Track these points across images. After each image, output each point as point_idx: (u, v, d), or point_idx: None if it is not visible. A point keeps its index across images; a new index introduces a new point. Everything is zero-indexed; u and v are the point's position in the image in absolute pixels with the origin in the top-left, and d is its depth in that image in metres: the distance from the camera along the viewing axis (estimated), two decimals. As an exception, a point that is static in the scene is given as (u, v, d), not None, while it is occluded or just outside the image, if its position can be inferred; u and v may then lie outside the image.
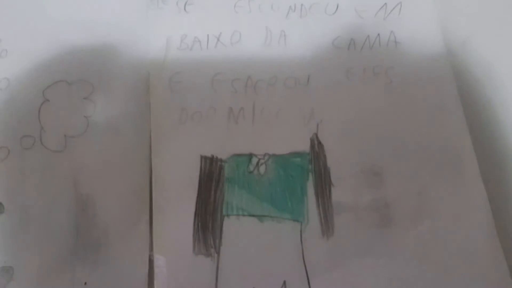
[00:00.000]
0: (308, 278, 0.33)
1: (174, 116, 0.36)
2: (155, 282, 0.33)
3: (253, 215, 0.34)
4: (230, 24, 0.39)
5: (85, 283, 0.33)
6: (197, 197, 0.34)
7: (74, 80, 0.37)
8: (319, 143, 0.36)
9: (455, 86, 0.37)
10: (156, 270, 0.33)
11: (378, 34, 0.38)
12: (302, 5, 0.39)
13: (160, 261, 0.33)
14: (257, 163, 0.35)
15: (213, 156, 0.35)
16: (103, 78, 0.37)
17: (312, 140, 0.36)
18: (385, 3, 0.39)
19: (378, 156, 0.35)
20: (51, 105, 0.36)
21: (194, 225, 0.34)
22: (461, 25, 0.39)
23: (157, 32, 0.38)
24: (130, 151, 0.36)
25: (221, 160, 0.35)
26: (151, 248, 0.34)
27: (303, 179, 0.35)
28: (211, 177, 0.35)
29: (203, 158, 0.35)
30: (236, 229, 0.34)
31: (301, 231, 0.34)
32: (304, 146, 0.36)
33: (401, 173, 0.35)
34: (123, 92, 0.37)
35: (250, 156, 0.35)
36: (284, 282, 0.33)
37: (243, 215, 0.34)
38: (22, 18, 0.39)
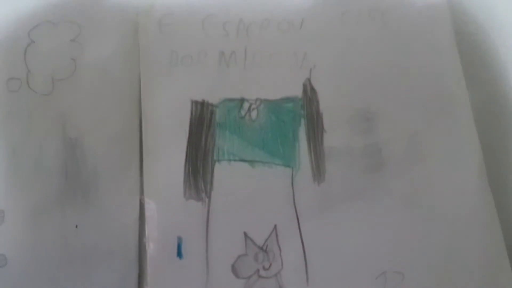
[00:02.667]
0: (298, 222, 0.33)
1: (164, 59, 0.35)
2: (146, 226, 0.33)
3: (244, 160, 0.34)
4: (222, -36, 0.37)
5: (76, 226, 0.33)
6: (188, 142, 0.34)
7: (61, 21, 0.36)
8: (312, 88, 0.35)
9: (452, 30, 0.36)
10: (147, 214, 0.33)
11: (375, -24, 0.37)
12: None
13: (151, 205, 0.33)
14: (249, 108, 0.35)
15: (204, 100, 0.35)
16: (91, 20, 0.36)
17: (304, 85, 0.35)
18: None
19: (371, 101, 0.35)
20: (37, 46, 0.35)
21: (184, 169, 0.34)
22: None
23: (146, -29, 0.37)
24: (119, 94, 0.35)
25: (212, 105, 0.35)
26: (142, 192, 0.34)
27: (295, 124, 0.34)
28: (202, 122, 0.34)
29: (194, 103, 0.35)
30: (227, 174, 0.34)
31: (292, 177, 0.34)
32: (296, 91, 0.35)
33: (394, 117, 0.35)
34: (111, 34, 0.36)
35: (242, 100, 0.35)
36: (275, 226, 0.33)
37: (234, 160, 0.34)
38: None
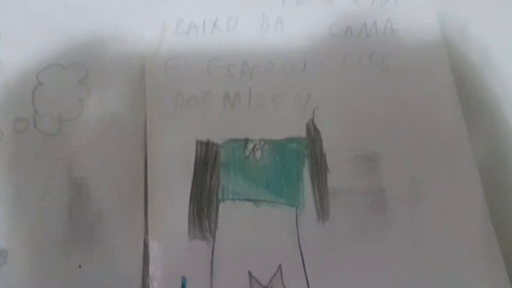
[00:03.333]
0: (303, 262, 0.33)
1: (169, 101, 0.36)
2: (150, 265, 0.33)
3: (248, 200, 0.34)
4: (227, 9, 0.39)
5: (80, 266, 0.33)
6: (193, 181, 0.34)
7: (69, 64, 0.37)
8: (315, 128, 0.36)
9: (450, 73, 0.37)
10: (151, 253, 0.33)
11: (375, 22, 0.38)
12: (299, -9, 0.39)
13: (154, 244, 0.33)
14: (253, 148, 0.35)
15: (209, 140, 0.35)
16: (98, 62, 0.37)
17: (308, 126, 0.36)
18: (382, -10, 0.39)
19: (374, 141, 0.36)
20: (45, 88, 0.36)
21: (189, 209, 0.34)
22: (459, 13, 0.40)
23: (153, 16, 0.38)
24: (125, 135, 0.36)
25: (216, 145, 0.35)
26: (146, 232, 0.34)
27: (299, 164, 0.35)
28: (207, 162, 0.35)
29: (199, 143, 0.35)
30: (232, 214, 0.34)
31: (296, 216, 0.34)
32: (300, 131, 0.36)
33: (396, 158, 0.35)
34: (118, 76, 0.37)
35: (246, 141, 0.35)
36: (280, 266, 0.33)
37: (239, 200, 0.34)
38: (17, 1, 0.38)
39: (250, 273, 0.33)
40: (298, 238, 0.33)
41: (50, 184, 0.34)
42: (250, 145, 0.35)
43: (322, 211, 0.34)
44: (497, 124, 0.37)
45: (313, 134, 0.36)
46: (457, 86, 0.37)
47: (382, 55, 0.38)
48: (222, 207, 0.34)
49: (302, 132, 0.36)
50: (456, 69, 0.38)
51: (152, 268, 0.33)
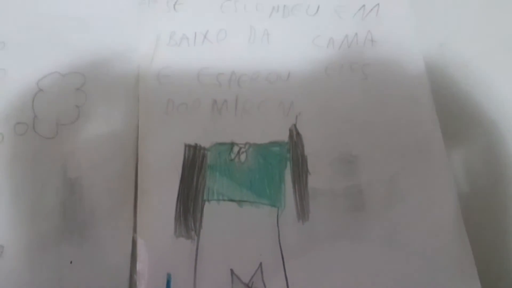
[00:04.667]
0: (283, 260, 0.34)
1: (161, 107, 0.38)
2: (138, 262, 0.34)
3: (232, 200, 0.35)
4: (217, 22, 0.41)
5: (71, 262, 0.34)
6: (180, 182, 0.36)
7: (67, 72, 0.39)
8: (297, 133, 0.37)
9: (427, 82, 0.39)
10: (138, 251, 0.34)
11: (356, 34, 0.40)
12: (285, 6, 0.41)
13: (142, 242, 0.35)
14: (238, 151, 0.37)
15: (196, 144, 0.37)
16: (95, 71, 0.39)
17: (291, 130, 0.37)
18: (364, 5, 0.41)
19: (353, 146, 0.37)
20: (45, 94, 0.38)
21: (176, 209, 0.35)
22: (439, 26, 0.41)
23: (148, 29, 0.40)
24: (118, 138, 0.37)
25: (204, 148, 0.37)
26: (135, 230, 0.35)
27: (281, 167, 0.36)
28: (194, 164, 0.36)
29: (187, 146, 0.37)
30: (216, 213, 0.35)
31: (277, 216, 0.35)
32: (283, 136, 0.37)
33: (374, 161, 0.36)
34: (113, 84, 0.39)
35: (232, 144, 0.37)
36: (261, 264, 0.34)
37: (223, 200, 0.35)
38: (20, 14, 0.41)
39: (232, 271, 0.34)
40: (279, 238, 0.35)
41: (46, 184, 0.36)
42: (236, 149, 0.37)
43: (302, 212, 0.35)
44: (476, 133, 0.38)
45: (295, 138, 0.37)
46: (435, 96, 0.38)
47: (362, 65, 0.39)
48: (207, 207, 0.35)
49: (285, 137, 0.37)
50: (435, 81, 0.39)
51: (139, 265, 0.34)
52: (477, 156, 0.37)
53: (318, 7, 0.41)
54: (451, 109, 0.38)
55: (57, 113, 0.38)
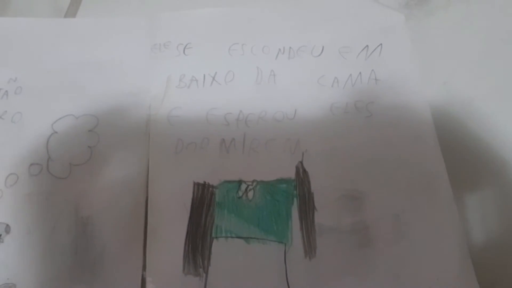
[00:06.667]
0: (291, 297, 0.34)
1: (171, 146, 0.39)
2: (146, 300, 0.34)
3: (240, 237, 0.36)
4: (225, 65, 0.42)
5: (81, 300, 0.35)
6: (189, 220, 0.37)
7: (81, 114, 0.40)
8: (304, 170, 0.38)
9: (431, 118, 0.39)
10: (148, 288, 0.35)
11: (360, 73, 0.41)
12: (290, 48, 0.43)
13: (151, 280, 0.35)
14: (246, 189, 0.37)
15: (205, 182, 0.38)
16: (108, 112, 0.41)
17: (297, 168, 0.38)
18: (367, 45, 0.42)
19: (359, 182, 0.37)
20: (59, 136, 0.39)
21: (185, 246, 0.36)
22: (443, 65, 0.42)
23: (159, 72, 0.42)
24: (128, 178, 0.38)
25: (212, 186, 0.38)
26: (144, 268, 0.36)
27: (288, 203, 0.37)
28: (203, 202, 0.37)
29: (196, 184, 0.38)
30: (224, 250, 0.36)
31: (285, 252, 0.35)
32: (290, 173, 0.38)
33: (380, 198, 0.37)
34: (125, 125, 0.40)
35: (240, 182, 0.38)
36: (269, 301, 0.34)
37: (231, 237, 0.36)
38: (37, 59, 0.43)
39: (240, 308, 0.34)
40: (286, 274, 0.35)
41: (59, 223, 0.37)
42: (243, 186, 0.37)
43: (309, 248, 0.35)
44: (482, 171, 0.38)
45: (302, 175, 0.38)
46: (440, 133, 0.39)
47: (366, 103, 0.40)
48: (215, 244, 0.36)
49: (291, 174, 0.38)
50: (439, 119, 0.39)
51: (148, 303, 0.34)
52: (489, 198, 0.37)
53: (323, 48, 0.42)
54: (457, 148, 0.39)
55: (70, 153, 0.39)
